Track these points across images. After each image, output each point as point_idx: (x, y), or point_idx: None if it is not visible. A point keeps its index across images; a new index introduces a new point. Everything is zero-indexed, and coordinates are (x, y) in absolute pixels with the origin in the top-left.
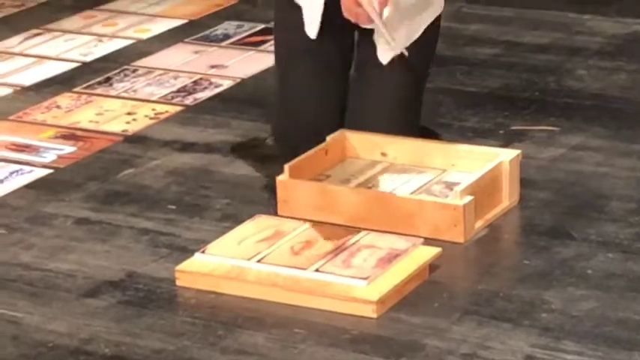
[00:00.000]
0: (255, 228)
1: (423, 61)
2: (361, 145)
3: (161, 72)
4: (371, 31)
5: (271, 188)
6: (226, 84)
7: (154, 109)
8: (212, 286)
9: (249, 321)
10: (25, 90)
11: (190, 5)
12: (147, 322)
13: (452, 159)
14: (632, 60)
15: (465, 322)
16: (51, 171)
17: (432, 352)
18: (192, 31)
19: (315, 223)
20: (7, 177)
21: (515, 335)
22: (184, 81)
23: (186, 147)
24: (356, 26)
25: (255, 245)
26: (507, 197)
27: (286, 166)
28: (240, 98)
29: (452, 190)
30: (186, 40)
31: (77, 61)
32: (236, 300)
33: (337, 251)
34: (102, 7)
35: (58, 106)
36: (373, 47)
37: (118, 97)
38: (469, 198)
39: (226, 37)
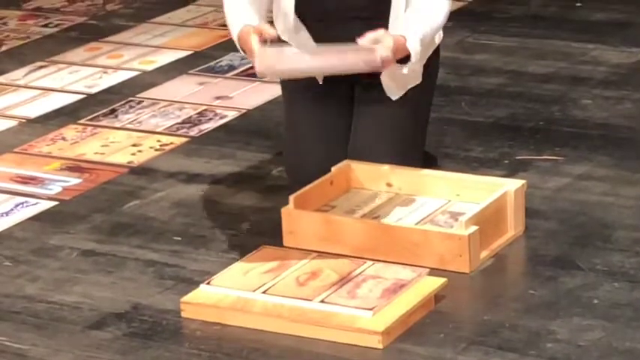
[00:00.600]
0: (260, 259)
1: (425, 92)
2: (366, 175)
3: (166, 103)
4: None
5: (277, 219)
6: (231, 115)
7: (159, 141)
8: (217, 317)
9: (254, 352)
10: (30, 122)
11: (195, 37)
12: (152, 354)
13: (457, 189)
14: (637, 89)
15: (471, 353)
16: (56, 203)
17: None
18: (196, 62)
19: (321, 254)
20: (12, 209)
21: None
22: (189, 112)
23: (191, 178)
24: None
25: (261, 276)
26: (513, 227)
27: (291, 197)
28: (245, 129)
29: (457, 220)
30: (190, 71)
31: (82, 93)
32: (241, 331)
33: (343, 282)
34: (107, 39)
35: (64, 138)
36: (374, 84)
37: (123, 128)
38: (474, 228)
39: (231, 68)
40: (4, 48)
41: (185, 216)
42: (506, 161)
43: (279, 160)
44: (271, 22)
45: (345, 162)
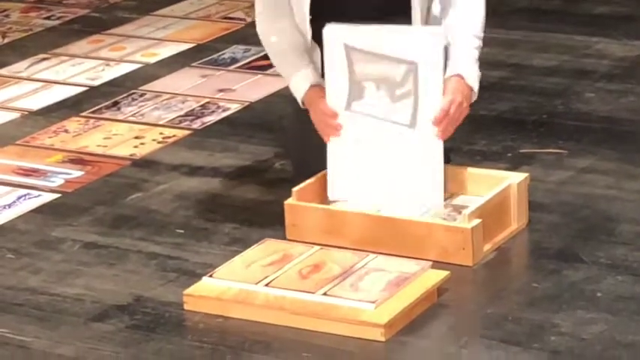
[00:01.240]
0: (263, 252)
1: None
2: None
3: (169, 96)
4: None
5: (279, 212)
6: (234, 108)
7: (161, 133)
8: (220, 310)
9: (256, 345)
10: (32, 114)
11: (198, 29)
12: (155, 347)
13: (460, 182)
14: None
15: (474, 346)
16: (59, 195)
17: None
18: (199, 55)
19: (323, 247)
20: (14, 201)
21: (524, 359)
22: (192, 105)
23: (194, 171)
24: None
25: (263, 269)
26: (516, 220)
27: (294, 190)
28: (247, 122)
29: (460, 213)
30: (193, 64)
31: (85, 86)
32: (244, 324)
33: (345, 275)
34: (109, 31)
35: (66, 131)
36: None
37: (125, 121)
38: (477, 221)
39: (234, 60)
40: (6, 40)
41: (187, 208)
42: (509, 154)
43: (282, 152)
44: None
45: None
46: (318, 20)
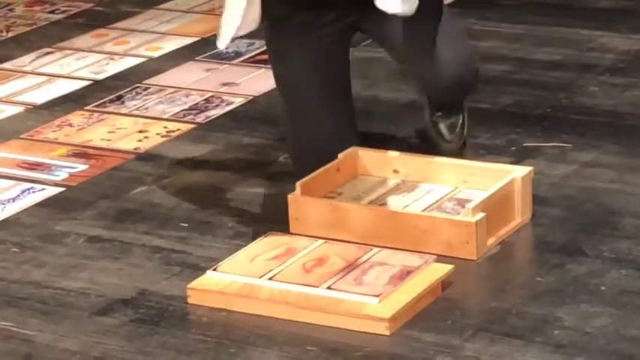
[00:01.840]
0: (267, 245)
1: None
2: (373, 162)
3: (173, 90)
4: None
5: (283, 206)
6: (238, 102)
7: (165, 127)
8: (224, 303)
9: (260, 339)
10: (36, 108)
11: (201, 23)
12: (159, 341)
13: (464, 176)
14: None
15: (478, 340)
16: (63, 189)
17: None
18: (203, 48)
19: (327, 241)
20: (18, 195)
21: (528, 352)
22: (196, 99)
23: (197, 165)
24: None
25: (267, 263)
26: (519, 214)
27: (298, 184)
28: (251, 116)
29: (464, 207)
30: (197, 57)
31: (89, 80)
32: (248, 318)
33: (349, 269)
34: (113, 25)
35: (70, 124)
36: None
37: (129, 115)
38: (481, 215)
39: (238, 54)
40: (10, 34)
41: (191, 202)
42: (513, 148)
43: (286, 146)
44: None
45: (352, 149)
46: None
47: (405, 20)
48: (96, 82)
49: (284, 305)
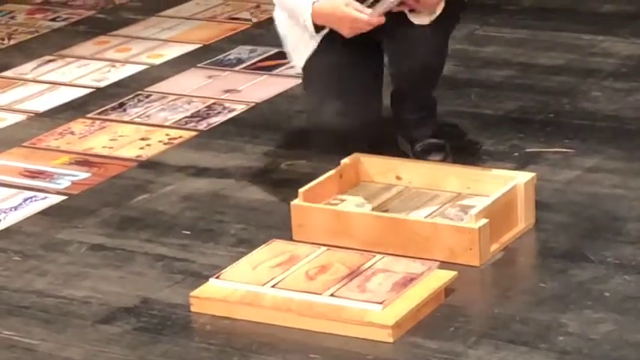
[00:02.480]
0: (269, 253)
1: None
2: (375, 168)
3: (174, 97)
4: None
5: (286, 213)
6: (240, 108)
7: (167, 135)
8: (227, 311)
9: (264, 347)
10: (38, 116)
11: (203, 30)
12: (162, 349)
13: (467, 182)
14: None
15: (482, 346)
16: (65, 197)
17: None
18: (205, 55)
19: (330, 248)
20: (20, 204)
21: (532, 359)
22: (198, 106)
23: (200, 172)
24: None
25: (270, 270)
26: (523, 220)
27: (300, 191)
28: (253, 123)
29: (467, 213)
30: (199, 64)
31: (90, 87)
32: (251, 325)
33: (352, 276)
34: (115, 32)
35: (72, 132)
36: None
37: (131, 122)
38: (484, 221)
39: (240, 61)
40: (12, 42)
41: (194, 210)
42: (516, 154)
43: (288, 153)
44: None
45: (354, 155)
46: None
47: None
48: (98, 90)
49: (287, 313)
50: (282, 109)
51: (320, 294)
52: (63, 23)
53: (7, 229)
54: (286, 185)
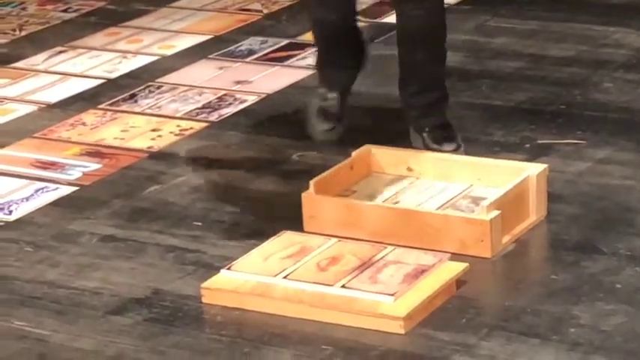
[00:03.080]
0: (281, 244)
1: None
2: (387, 160)
3: (186, 88)
4: None
5: (297, 204)
6: (251, 100)
7: (178, 126)
8: (238, 302)
9: (275, 338)
10: (50, 107)
11: (214, 21)
12: (173, 340)
13: (478, 174)
14: None
15: (493, 338)
16: (76, 188)
17: None
18: (216, 46)
19: (341, 239)
20: (32, 194)
21: (543, 351)
22: (209, 97)
23: (211, 163)
24: None
25: (281, 262)
26: (534, 212)
27: (312, 182)
28: (265, 114)
29: (478, 204)
30: (210, 56)
31: (102, 78)
32: (262, 317)
33: (364, 267)
34: (126, 23)
35: (84, 123)
36: None
37: (142, 113)
38: (496, 213)
39: (251, 52)
40: (23, 33)
41: (205, 201)
42: (527, 145)
43: (299, 144)
44: None
45: (365, 146)
46: None
47: None
48: (109, 81)
49: (298, 304)
50: (294, 101)
51: (331, 285)
52: (74, 14)
53: (19, 220)
54: (297, 176)
